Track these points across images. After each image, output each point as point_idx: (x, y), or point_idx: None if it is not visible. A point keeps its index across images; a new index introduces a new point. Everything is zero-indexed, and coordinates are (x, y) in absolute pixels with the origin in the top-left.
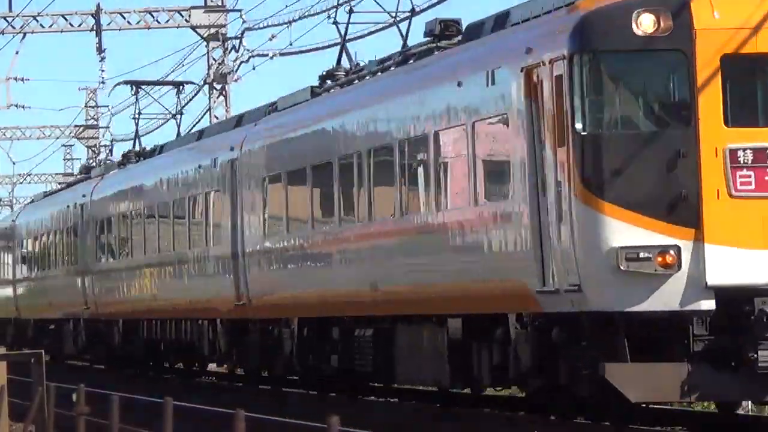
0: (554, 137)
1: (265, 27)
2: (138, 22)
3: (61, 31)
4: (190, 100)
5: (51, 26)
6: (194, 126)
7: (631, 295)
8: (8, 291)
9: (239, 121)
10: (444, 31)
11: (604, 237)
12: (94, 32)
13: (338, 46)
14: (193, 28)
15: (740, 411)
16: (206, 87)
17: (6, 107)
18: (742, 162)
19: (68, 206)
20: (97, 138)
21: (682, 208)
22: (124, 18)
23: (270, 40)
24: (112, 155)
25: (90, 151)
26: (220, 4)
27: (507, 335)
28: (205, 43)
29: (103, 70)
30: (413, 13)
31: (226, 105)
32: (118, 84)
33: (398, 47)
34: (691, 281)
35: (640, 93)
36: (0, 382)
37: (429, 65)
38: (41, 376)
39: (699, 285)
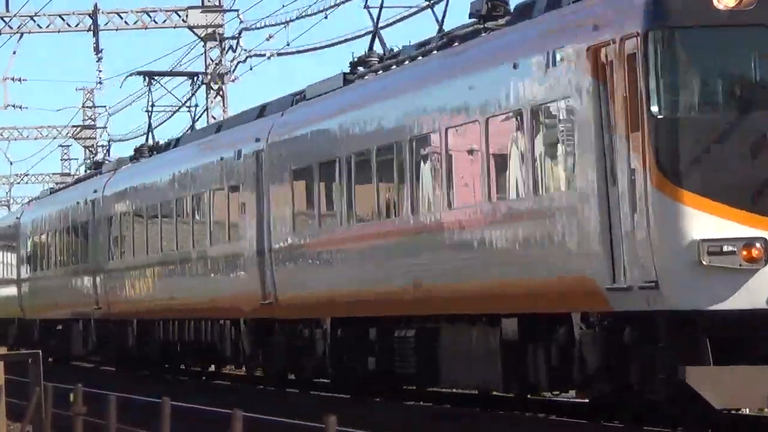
0: (626, 122)
1: (262, 27)
2: (135, 22)
3: (59, 31)
4: (187, 100)
5: (48, 26)
6: (191, 127)
7: (713, 293)
8: (12, 291)
9: (262, 111)
10: (491, 11)
11: (684, 229)
12: (92, 32)
13: (337, 46)
14: (191, 28)
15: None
16: (203, 87)
17: (3, 107)
18: None
19: (78, 202)
20: (95, 138)
21: None
22: (122, 18)
23: (267, 40)
24: (109, 155)
25: (87, 151)
26: (217, 4)
27: (570, 336)
28: (202, 43)
29: (100, 71)
30: None
31: (224, 105)
32: (130, 75)
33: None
34: None
35: (721, 72)
36: None
37: (478, 47)
38: (38, 376)
39: None
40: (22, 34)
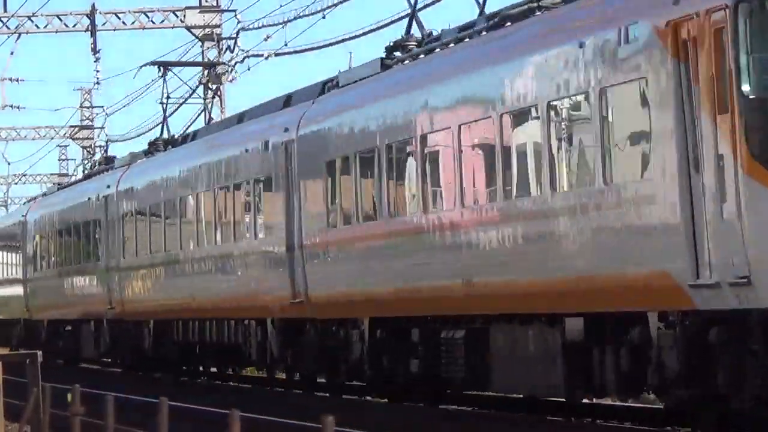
0: (713, 103)
1: (260, 27)
2: (133, 23)
3: (56, 32)
4: (184, 101)
5: (46, 26)
6: (188, 127)
7: None
8: (18, 291)
9: (287, 101)
10: None
11: None
12: (89, 32)
13: (335, 46)
14: (188, 28)
15: None
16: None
17: (1, 108)
18: None
19: (89, 199)
20: (92, 138)
21: None
22: (119, 18)
23: (265, 40)
24: (106, 155)
25: (85, 151)
26: (214, 4)
27: (645, 336)
28: (200, 43)
29: (98, 71)
30: None
31: (221, 105)
32: (144, 65)
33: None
34: None
35: None
36: None
37: (535, 26)
38: (36, 377)
39: None
40: (19, 34)
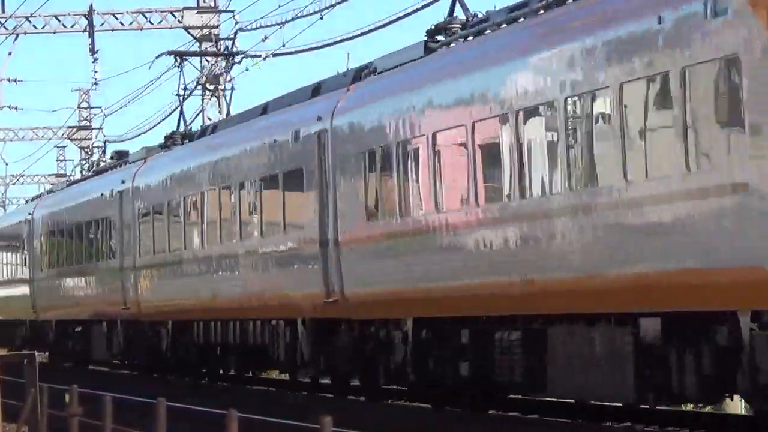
0: None
1: (257, 28)
2: (131, 23)
3: (54, 32)
4: (183, 100)
5: (44, 27)
6: (187, 127)
7: None
8: (24, 291)
9: (316, 90)
10: None
11: None
12: (87, 33)
13: (332, 46)
14: (186, 29)
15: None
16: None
17: None
18: None
19: (102, 194)
20: (90, 139)
21: None
22: (117, 19)
23: (263, 41)
24: (104, 156)
25: (83, 152)
26: (212, 5)
27: (735, 338)
28: (197, 43)
29: (95, 71)
30: None
31: (219, 106)
32: (161, 55)
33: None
34: None
35: None
36: None
37: (602, 4)
38: (34, 377)
39: None
40: (17, 35)
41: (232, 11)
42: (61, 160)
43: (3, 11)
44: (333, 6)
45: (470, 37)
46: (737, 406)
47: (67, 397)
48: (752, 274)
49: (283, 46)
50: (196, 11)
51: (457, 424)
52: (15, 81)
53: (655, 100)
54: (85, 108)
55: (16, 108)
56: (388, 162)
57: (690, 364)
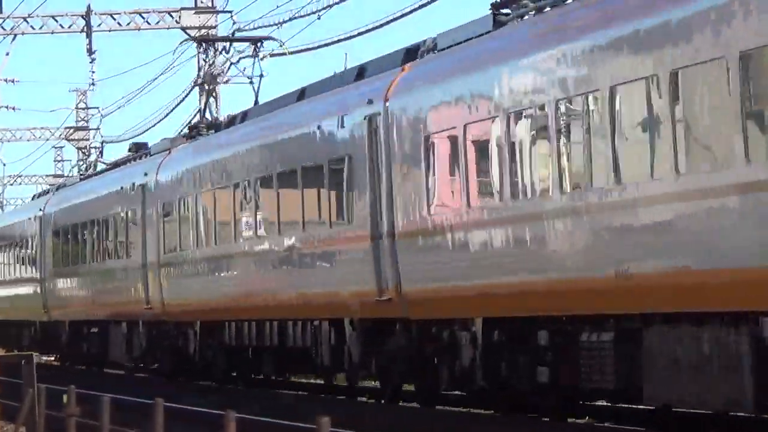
0: None
1: (255, 28)
2: (128, 24)
3: (52, 33)
4: (180, 102)
5: (41, 27)
6: (184, 128)
7: None
8: (35, 290)
9: (361, 73)
10: None
11: None
12: (85, 33)
13: (330, 47)
14: (184, 29)
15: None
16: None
17: None
18: None
19: (122, 188)
20: (88, 140)
21: None
22: (115, 19)
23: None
24: (102, 156)
25: (80, 152)
26: (210, 5)
27: None
28: (195, 44)
29: (93, 72)
30: None
31: (216, 106)
32: (184, 42)
33: None
34: None
35: None
36: None
37: None
38: (32, 378)
39: None
40: (15, 35)
41: (230, 11)
42: (59, 161)
43: (1, 12)
44: (330, 6)
45: (547, 8)
46: None
47: (65, 397)
48: None
49: (281, 46)
50: (193, 12)
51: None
52: (12, 81)
53: (713, 86)
54: (83, 108)
55: (13, 108)
56: (454, 146)
57: None
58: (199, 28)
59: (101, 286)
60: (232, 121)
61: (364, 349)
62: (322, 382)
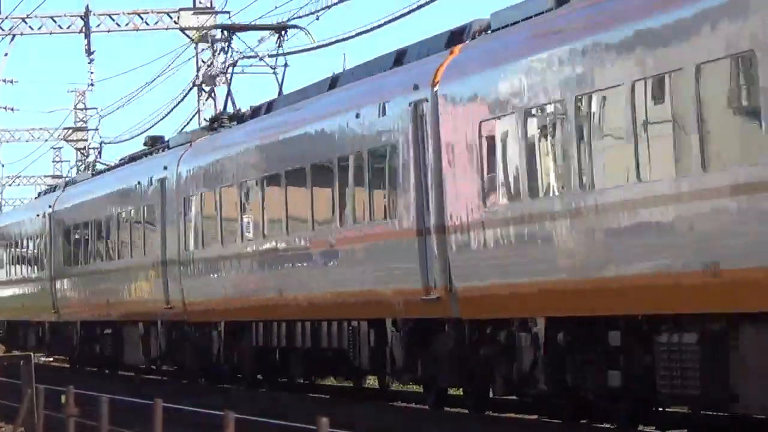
0: None
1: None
2: (127, 24)
3: (50, 33)
4: (179, 102)
5: (40, 28)
6: (183, 128)
7: None
8: (44, 289)
9: (399, 59)
10: None
11: None
12: (83, 34)
13: (329, 47)
14: (182, 30)
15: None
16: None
17: None
18: None
19: (139, 183)
20: (86, 140)
21: None
22: (113, 20)
23: (259, 42)
24: (100, 157)
25: (79, 153)
26: (209, 6)
27: None
28: (194, 45)
29: (92, 72)
30: None
31: (215, 107)
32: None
33: None
34: None
35: None
36: None
37: None
38: (30, 378)
39: None
40: (14, 35)
41: (229, 12)
42: (58, 162)
43: None
44: (329, 7)
45: None
46: None
47: (63, 398)
48: None
49: (280, 46)
50: (192, 12)
51: None
52: (11, 82)
53: None
54: (81, 109)
55: (12, 109)
56: (512, 133)
57: None
58: (198, 28)
59: (116, 285)
60: (256, 111)
61: (409, 350)
62: (352, 384)
